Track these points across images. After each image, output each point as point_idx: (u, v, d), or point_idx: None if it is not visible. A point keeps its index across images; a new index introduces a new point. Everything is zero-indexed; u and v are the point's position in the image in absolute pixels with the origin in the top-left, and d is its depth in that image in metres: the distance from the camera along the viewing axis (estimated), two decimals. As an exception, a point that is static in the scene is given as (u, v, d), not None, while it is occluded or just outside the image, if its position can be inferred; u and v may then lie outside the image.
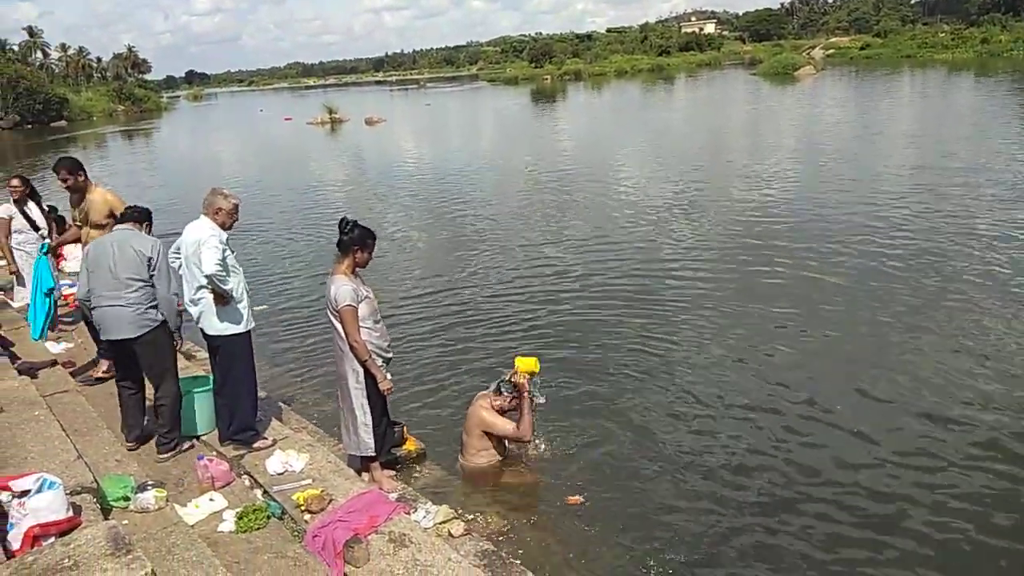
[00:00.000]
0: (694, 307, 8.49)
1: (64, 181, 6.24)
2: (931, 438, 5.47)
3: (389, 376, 4.90)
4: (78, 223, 6.42)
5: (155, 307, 4.89)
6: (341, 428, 5.07)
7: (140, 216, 5.26)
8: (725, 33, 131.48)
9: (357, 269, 4.82)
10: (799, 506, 4.83)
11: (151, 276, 4.88)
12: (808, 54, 72.24)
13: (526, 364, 5.31)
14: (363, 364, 4.73)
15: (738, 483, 5.11)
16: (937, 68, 51.66)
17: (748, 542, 4.53)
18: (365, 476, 4.95)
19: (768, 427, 5.79)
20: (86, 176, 6.33)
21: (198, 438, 5.38)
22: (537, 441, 5.55)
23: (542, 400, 5.40)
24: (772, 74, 57.68)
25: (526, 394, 5.26)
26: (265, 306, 9.41)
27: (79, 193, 6.31)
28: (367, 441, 4.87)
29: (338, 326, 4.72)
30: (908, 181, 14.31)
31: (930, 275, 8.86)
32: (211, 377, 5.34)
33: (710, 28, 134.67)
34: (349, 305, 4.64)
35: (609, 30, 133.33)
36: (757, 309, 8.25)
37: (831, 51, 79.31)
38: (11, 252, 7.70)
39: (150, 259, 4.86)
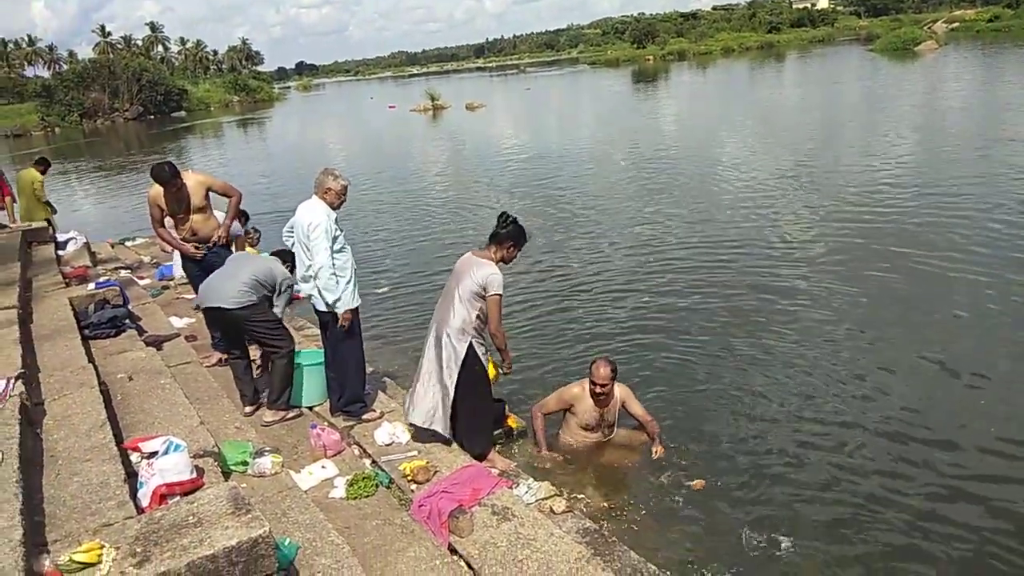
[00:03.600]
0: (812, 297, 8.08)
1: (179, 189, 6.13)
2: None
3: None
4: (180, 215, 6.32)
5: (255, 294, 5.24)
6: (416, 396, 4.91)
7: (285, 257, 5.52)
8: (839, 8, 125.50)
9: (500, 263, 4.83)
10: (932, 507, 4.51)
11: (269, 292, 5.35)
12: (929, 28, 68.08)
13: None
14: (502, 348, 4.87)
15: (874, 482, 4.80)
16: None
17: (882, 543, 4.27)
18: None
19: (901, 423, 5.42)
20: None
21: (311, 408, 5.60)
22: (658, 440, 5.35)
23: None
24: (890, 50, 54.69)
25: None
26: (387, 288, 9.68)
27: (182, 192, 6.21)
28: (430, 415, 4.81)
29: (462, 302, 4.71)
30: None
31: None
32: (322, 351, 5.52)
33: (823, 3, 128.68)
34: (500, 294, 4.70)
35: (715, 8, 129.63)
36: (879, 301, 7.79)
37: (955, 24, 74.45)
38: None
39: (278, 282, 5.36)
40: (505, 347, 4.90)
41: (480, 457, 4.92)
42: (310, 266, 5.02)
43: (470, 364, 4.78)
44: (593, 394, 5.21)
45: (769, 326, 7.38)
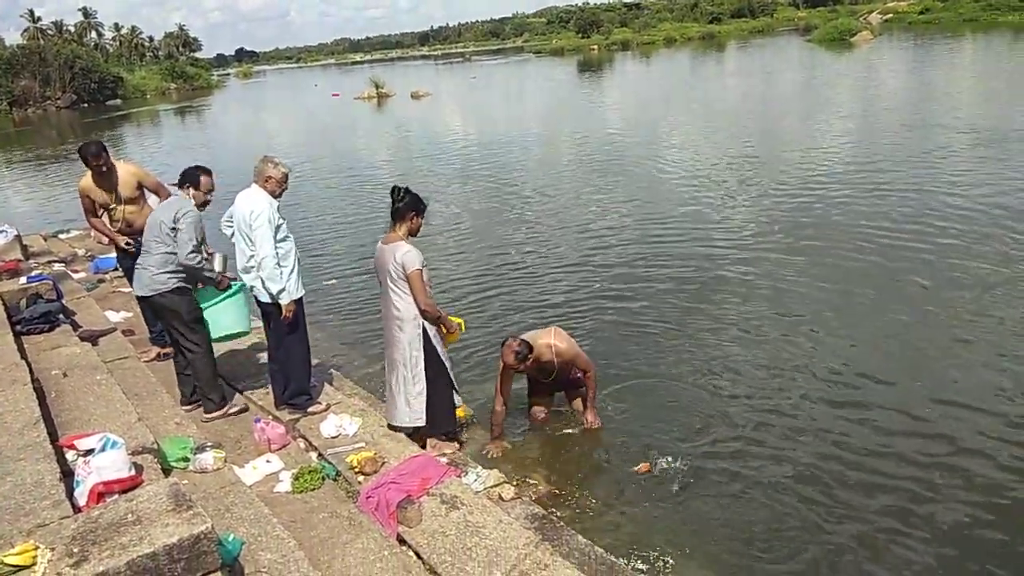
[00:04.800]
0: (758, 275, 8.28)
1: (102, 166, 6.00)
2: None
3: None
4: (111, 205, 6.19)
5: (171, 273, 4.99)
6: (389, 398, 5.05)
7: (181, 181, 5.18)
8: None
9: (409, 237, 4.82)
10: (879, 497, 4.53)
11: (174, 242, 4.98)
12: (865, 19, 69.71)
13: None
14: (437, 321, 4.84)
15: (812, 472, 4.83)
16: (1002, 32, 49.34)
17: (818, 525, 4.33)
18: (432, 447, 4.98)
19: (836, 415, 5.43)
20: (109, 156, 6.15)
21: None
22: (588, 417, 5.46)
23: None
24: (827, 40, 55.93)
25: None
26: (333, 280, 9.56)
27: (110, 175, 6.11)
28: (419, 411, 4.88)
29: (398, 291, 4.72)
30: (972, 152, 13.52)
31: (1004, 251, 8.30)
32: (239, 286, 5.29)
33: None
34: (419, 269, 4.67)
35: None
36: (822, 276, 8.03)
37: (889, 16, 76.46)
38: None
39: (172, 228, 4.94)
40: (440, 316, 4.88)
41: (451, 436, 5.02)
42: (252, 256, 4.93)
43: (427, 347, 4.82)
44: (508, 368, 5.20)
45: (714, 306, 7.55)
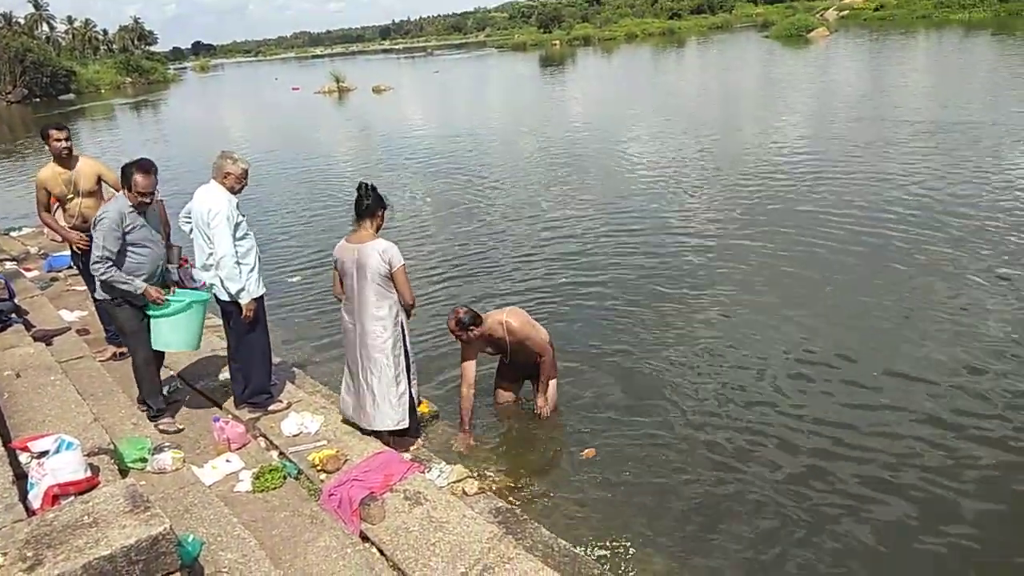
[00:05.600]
0: (710, 267, 8.43)
1: (61, 142, 5.87)
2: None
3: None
4: (68, 196, 6.01)
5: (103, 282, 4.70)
6: (368, 402, 4.82)
7: (126, 171, 4.71)
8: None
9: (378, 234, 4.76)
10: (817, 473, 4.67)
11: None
12: (821, 15, 70.86)
13: None
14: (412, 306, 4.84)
15: (756, 446, 5.00)
16: (953, 28, 50.45)
17: (760, 502, 4.46)
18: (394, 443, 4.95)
19: (787, 391, 5.62)
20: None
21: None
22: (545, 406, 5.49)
23: None
24: (785, 36, 56.69)
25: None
26: (298, 278, 9.46)
27: (72, 159, 6.00)
28: (403, 414, 4.81)
29: (382, 289, 4.64)
30: (923, 143, 13.86)
31: (950, 238, 8.56)
32: (188, 301, 4.85)
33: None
34: (404, 263, 4.65)
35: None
36: (775, 269, 8.18)
37: (844, 12, 77.74)
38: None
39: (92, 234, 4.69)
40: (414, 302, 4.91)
41: (413, 431, 5.00)
42: (211, 254, 4.86)
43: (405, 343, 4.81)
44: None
45: (673, 292, 7.71)
